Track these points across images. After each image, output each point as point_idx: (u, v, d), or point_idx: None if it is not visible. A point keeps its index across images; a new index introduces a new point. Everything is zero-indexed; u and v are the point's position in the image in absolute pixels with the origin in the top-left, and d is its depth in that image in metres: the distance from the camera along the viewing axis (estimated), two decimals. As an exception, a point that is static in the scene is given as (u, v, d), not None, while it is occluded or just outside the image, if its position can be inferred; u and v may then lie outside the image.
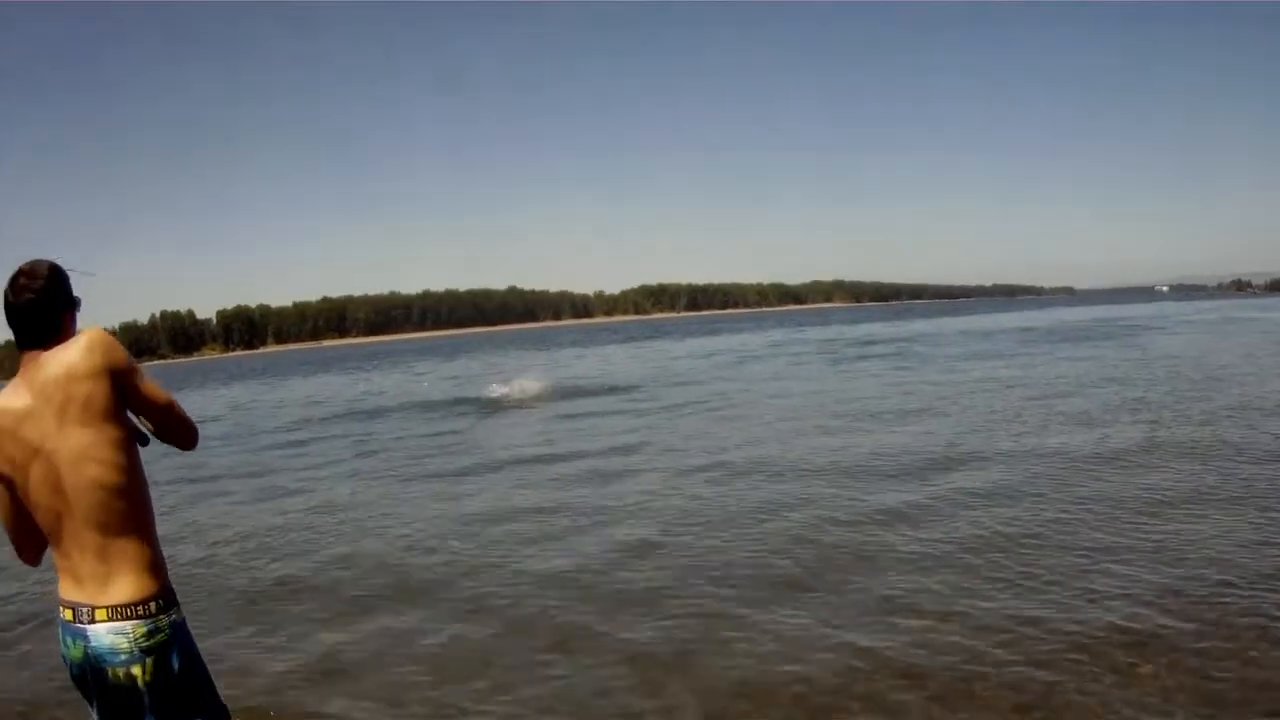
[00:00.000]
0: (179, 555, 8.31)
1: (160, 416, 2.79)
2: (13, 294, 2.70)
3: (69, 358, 2.61)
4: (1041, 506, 7.82)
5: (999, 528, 7.23)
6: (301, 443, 17.31)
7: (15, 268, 2.76)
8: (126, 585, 2.60)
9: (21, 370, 2.68)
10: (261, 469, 14.11)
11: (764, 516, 8.20)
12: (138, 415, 2.77)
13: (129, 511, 2.64)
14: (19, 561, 2.84)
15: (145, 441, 2.81)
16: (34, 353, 2.67)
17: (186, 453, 3.12)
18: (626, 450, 12.69)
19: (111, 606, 2.59)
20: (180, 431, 2.87)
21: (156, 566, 2.69)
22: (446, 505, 9.96)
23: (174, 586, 2.76)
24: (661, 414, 16.98)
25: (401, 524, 9.16)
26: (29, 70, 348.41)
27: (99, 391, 2.61)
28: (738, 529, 7.86)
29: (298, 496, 11.34)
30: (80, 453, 2.59)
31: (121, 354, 2.67)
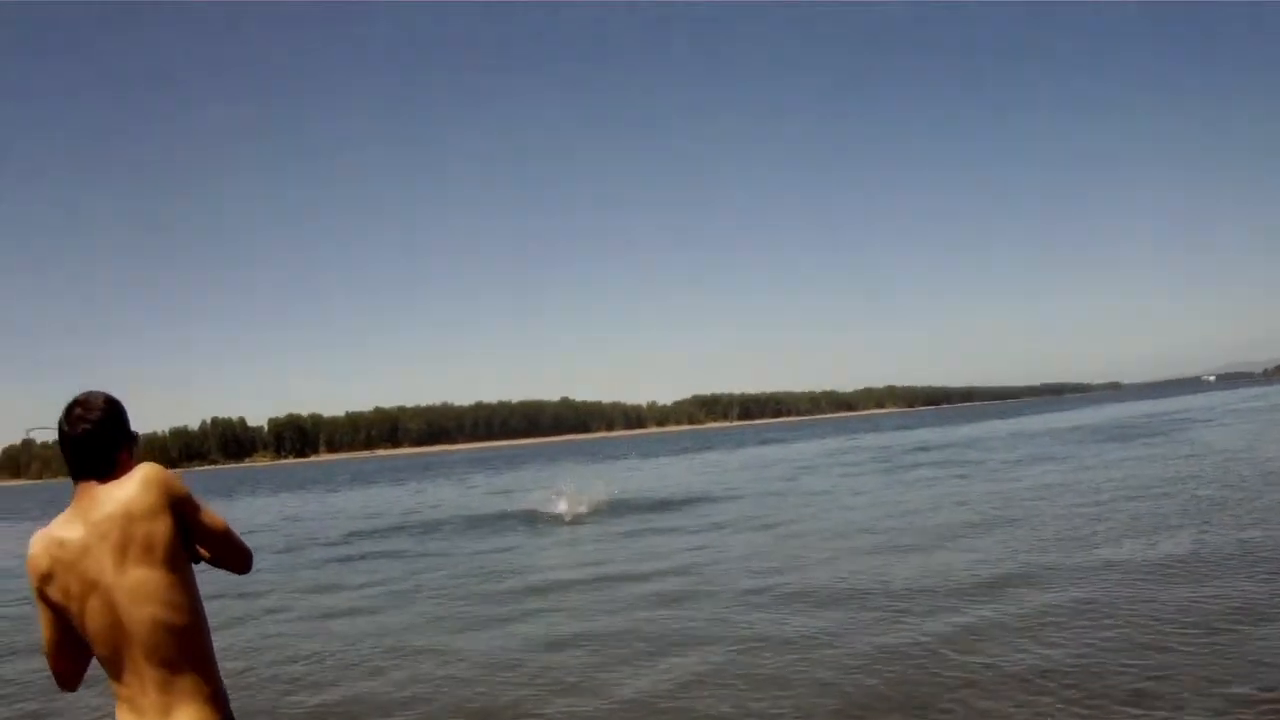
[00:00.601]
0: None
1: (218, 545, 2.80)
2: (69, 424, 2.70)
3: (126, 494, 2.61)
4: (1092, 630, 7.71)
5: (1049, 654, 7.14)
6: (353, 558, 17.42)
7: (73, 397, 2.77)
8: (187, 717, 2.61)
9: (76, 500, 2.68)
10: (312, 585, 14.18)
11: (814, 646, 8.14)
12: (197, 545, 2.77)
13: (190, 648, 2.64)
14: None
15: (197, 561, 2.81)
16: (89, 483, 2.68)
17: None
18: (678, 572, 12.58)
19: None
20: (236, 557, 2.87)
21: (217, 698, 2.69)
22: (496, 631, 9.94)
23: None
24: (713, 532, 16.90)
25: (446, 656, 9.16)
26: (86, 163, 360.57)
27: (159, 531, 2.61)
28: (796, 654, 7.82)
29: (345, 618, 11.42)
30: (140, 592, 2.58)
31: (180, 488, 2.67)
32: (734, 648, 8.16)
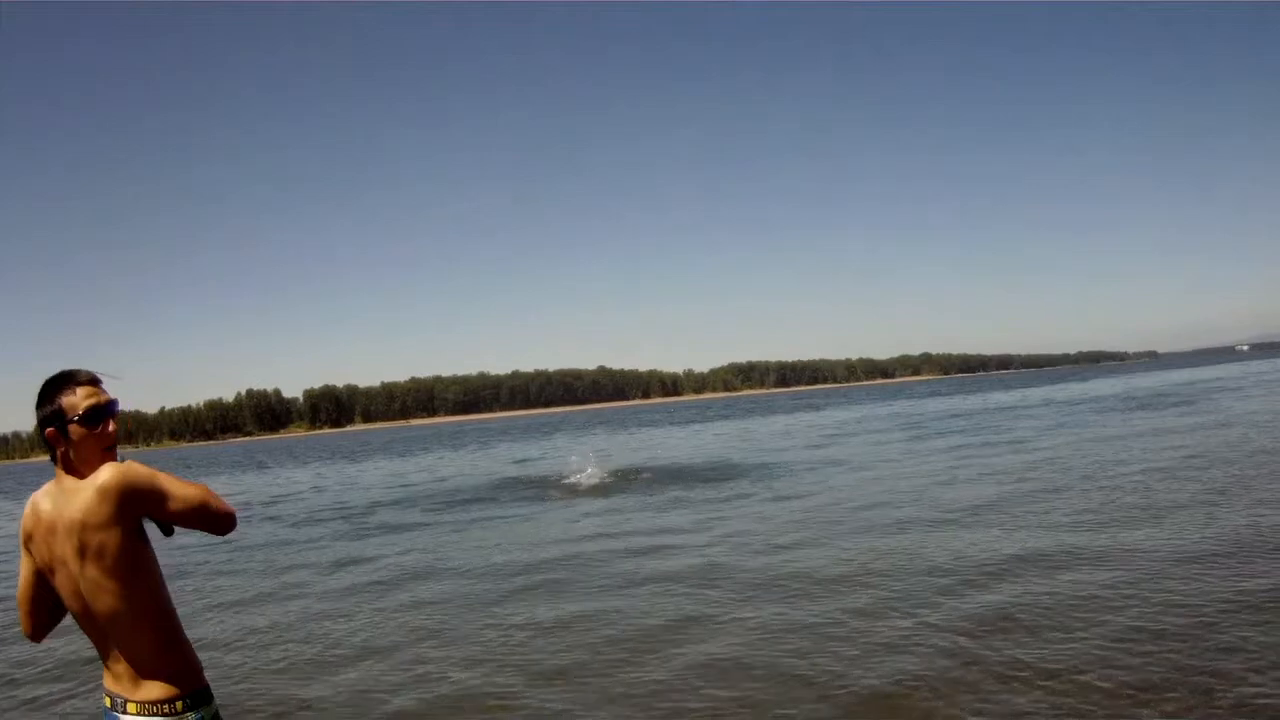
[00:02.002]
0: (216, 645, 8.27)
1: (193, 522, 2.84)
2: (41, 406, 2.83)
3: (83, 503, 2.69)
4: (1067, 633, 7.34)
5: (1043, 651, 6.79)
6: (369, 530, 17.35)
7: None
8: (154, 688, 2.77)
9: (58, 477, 2.81)
10: (321, 560, 14.08)
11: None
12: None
13: (151, 633, 2.77)
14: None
15: (170, 533, 2.90)
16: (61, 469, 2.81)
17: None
18: (689, 549, 12.34)
19: (140, 702, 2.76)
20: (213, 526, 2.88)
21: (182, 674, 2.82)
22: (497, 610, 9.74)
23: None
24: (730, 503, 16.64)
25: (439, 638, 8.96)
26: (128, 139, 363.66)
27: (110, 543, 2.69)
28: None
29: (340, 596, 11.28)
30: (97, 587, 2.72)
31: (141, 488, 2.72)
32: (731, 637, 7.79)
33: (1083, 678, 5.83)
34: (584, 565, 11.29)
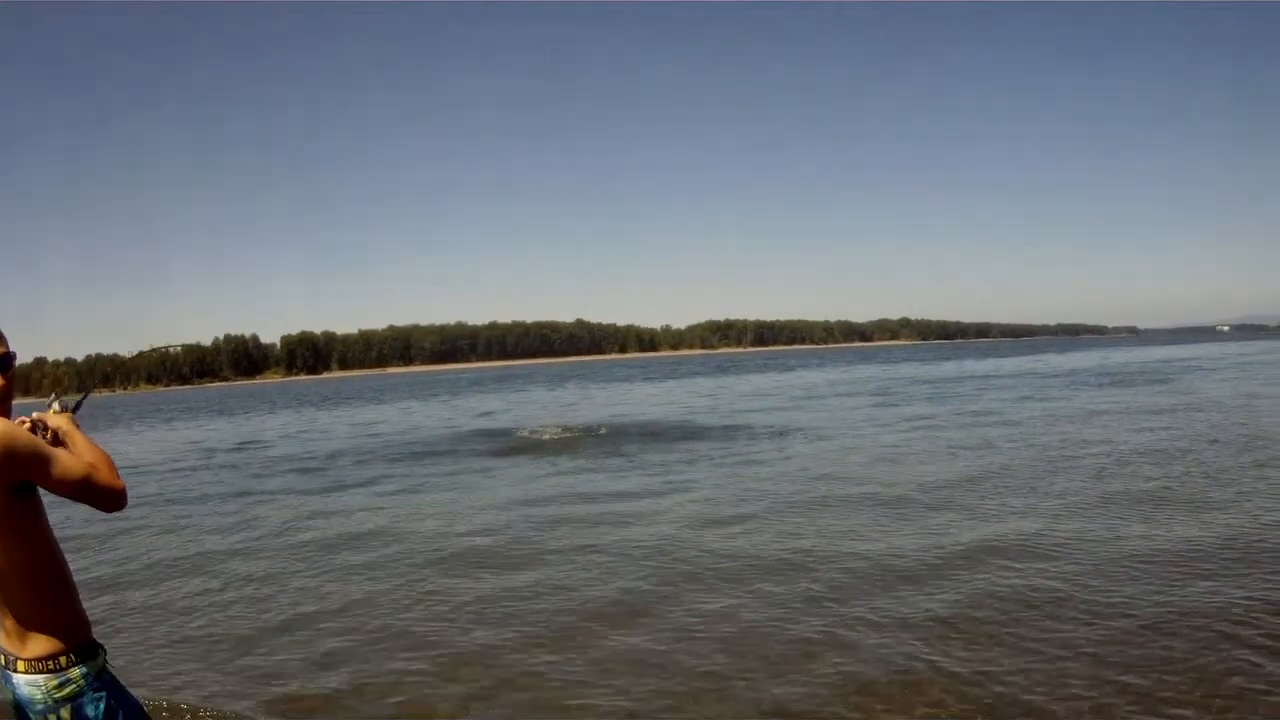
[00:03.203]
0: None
1: (75, 494, 2.77)
2: None
3: None
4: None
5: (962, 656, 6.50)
6: (320, 486, 17.06)
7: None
8: (39, 643, 2.74)
9: None
10: (280, 520, 13.73)
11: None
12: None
13: (36, 590, 2.73)
14: None
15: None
16: None
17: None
18: (628, 521, 12.08)
19: (28, 659, 2.75)
20: (98, 501, 2.82)
21: (69, 629, 2.79)
22: (423, 583, 9.42)
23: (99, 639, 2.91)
24: (688, 467, 16.39)
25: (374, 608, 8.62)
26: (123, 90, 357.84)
27: None
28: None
29: (273, 557, 10.94)
30: None
31: (19, 453, 2.64)
32: (656, 625, 7.48)
33: (997, 687, 5.57)
34: (521, 533, 10.97)
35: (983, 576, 7.82)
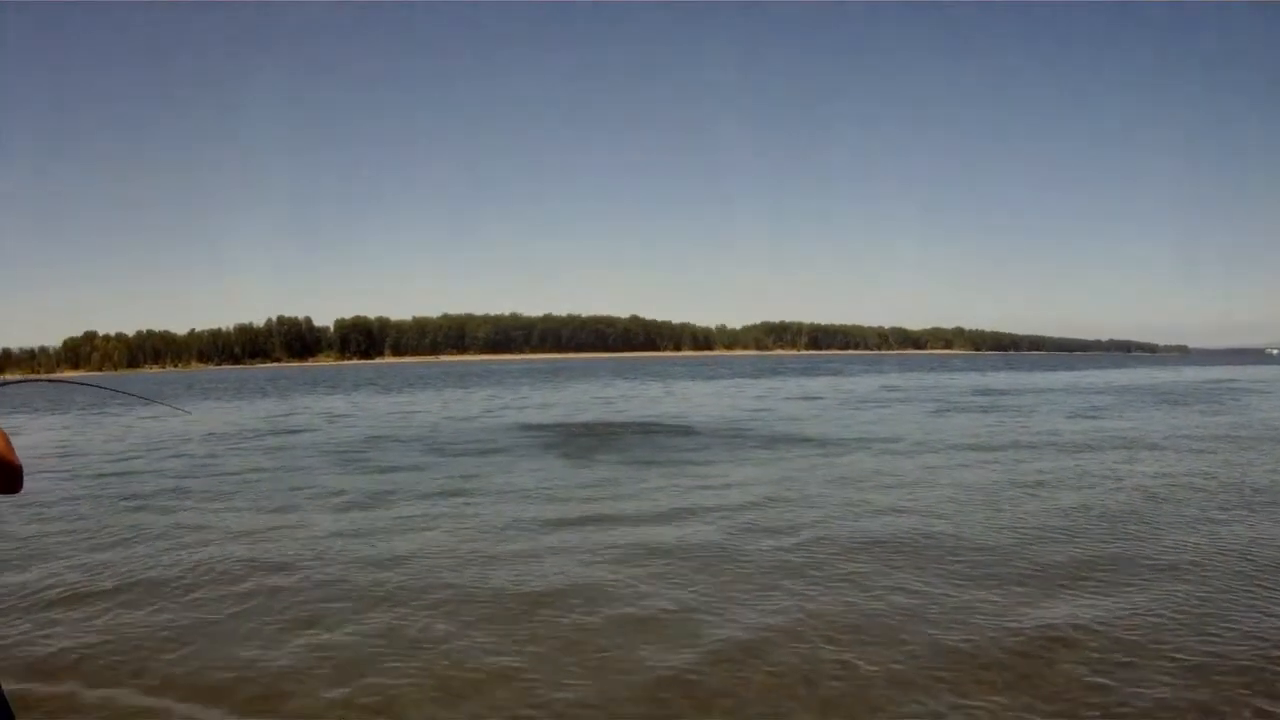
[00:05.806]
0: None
1: None
2: None
3: None
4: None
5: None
6: (347, 469, 16.99)
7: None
8: None
9: None
10: (273, 505, 13.73)
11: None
12: None
13: None
14: None
15: None
16: None
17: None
18: (661, 518, 11.85)
19: None
20: None
21: None
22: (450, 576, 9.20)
23: None
24: (716, 465, 16.12)
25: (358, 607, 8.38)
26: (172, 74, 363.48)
27: None
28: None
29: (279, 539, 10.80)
30: None
31: None
32: (660, 641, 7.20)
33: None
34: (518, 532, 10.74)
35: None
